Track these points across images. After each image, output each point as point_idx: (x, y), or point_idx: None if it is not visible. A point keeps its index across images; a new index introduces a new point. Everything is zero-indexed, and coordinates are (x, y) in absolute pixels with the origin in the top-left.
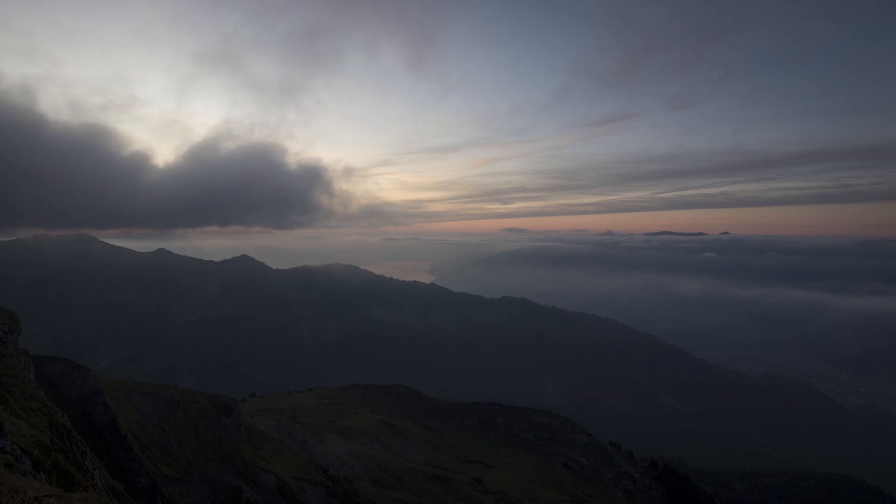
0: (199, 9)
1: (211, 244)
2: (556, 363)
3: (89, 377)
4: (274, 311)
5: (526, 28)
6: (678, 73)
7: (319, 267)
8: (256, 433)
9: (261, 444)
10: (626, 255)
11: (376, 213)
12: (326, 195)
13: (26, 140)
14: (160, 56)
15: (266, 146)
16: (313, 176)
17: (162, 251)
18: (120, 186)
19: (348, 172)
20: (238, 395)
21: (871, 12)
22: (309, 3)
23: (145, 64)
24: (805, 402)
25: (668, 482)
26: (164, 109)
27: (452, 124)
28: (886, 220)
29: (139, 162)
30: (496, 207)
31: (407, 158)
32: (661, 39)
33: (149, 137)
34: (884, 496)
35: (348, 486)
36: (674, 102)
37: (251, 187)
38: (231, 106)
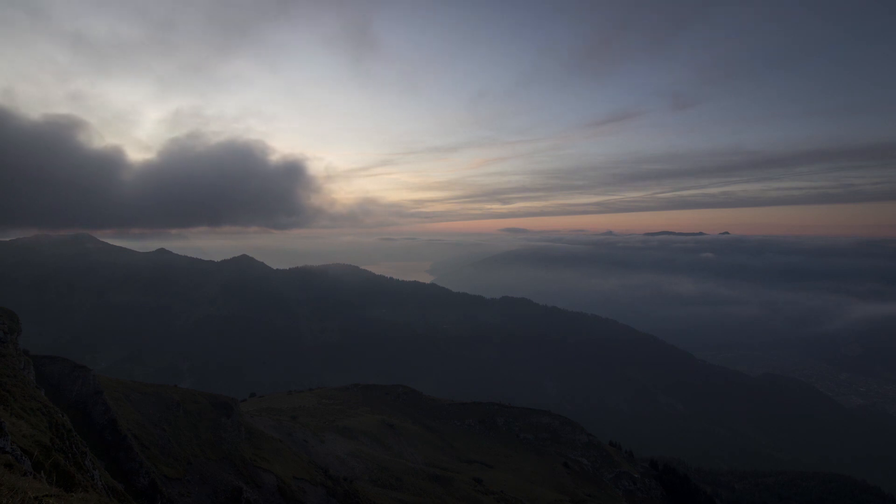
0: None
1: (211, 244)
2: (556, 363)
3: (89, 377)
4: (274, 311)
5: (531, 26)
6: (680, 72)
7: (319, 267)
8: (256, 433)
9: (261, 444)
10: (626, 255)
11: (365, 213)
12: (311, 193)
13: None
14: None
15: (246, 143)
16: (298, 174)
17: (162, 251)
18: (102, 183)
19: (330, 170)
20: (238, 395)
21: (872, 12)
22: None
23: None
24: (805, 402)
25: (668, 482)
26: (97, 99)
27: (453, 123)
28: (887, 219)
29: (116, 157)
30: (496, 207)
31: (407, 158)
32: (652, 31)
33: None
34: (884, 496)
35: (348, 486)
36: (676, 102)
37: (237, 185)
38: (166, 94)
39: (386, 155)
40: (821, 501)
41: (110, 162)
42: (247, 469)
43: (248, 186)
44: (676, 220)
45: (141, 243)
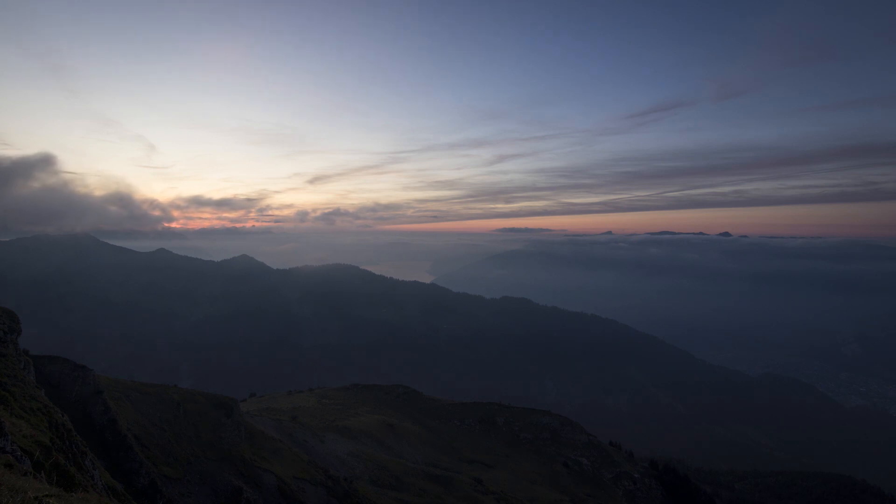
0: None
1: (211, 244)
2: (556, 363)
3: (89, 377)
4: (274, 311)
5: (553, 10)
6: (736, 60)
7: (319, 267)
8: (256, 433)
9: (261, 444)
10: (626, 255)
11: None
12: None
13: None
14: None
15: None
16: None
17: (162, 251)
18: None
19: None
20: (238, 395)
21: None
22: None
23: None
24: (805, 402)
25: (668, 482)
26: None
27: (470, 118)
28: None
29: None
30: (500, 207)
31: (416, 157)
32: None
33: None
34: (884, 496)
35: (348, 486)
36: (720, 93)
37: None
38: None
39: (392, 154)
40: (821, 501)
41: None
42: (247, 469)
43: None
44: (681, 220)
45: (142, 243)
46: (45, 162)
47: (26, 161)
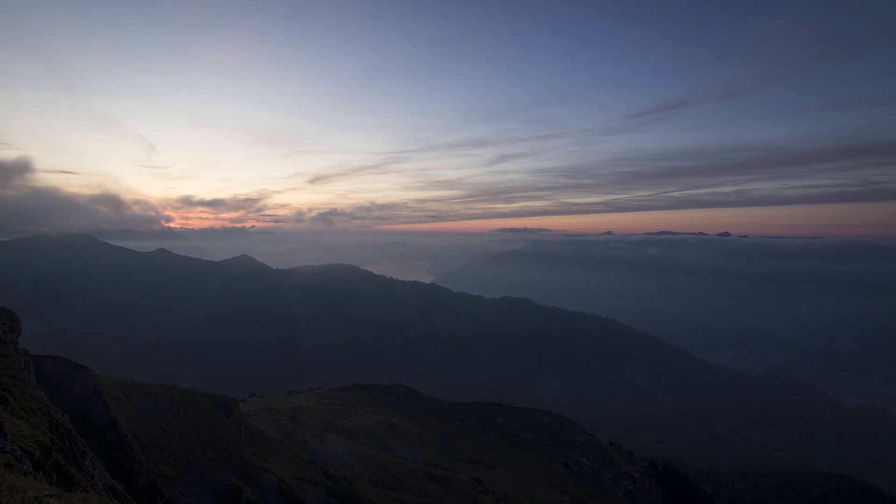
0: None
1: (211, 244)
2: (556, 363)
3: (89, 377)
4: (274, 311)
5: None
6: (696, 68)
7: (319, 267)
8: (256, 433)
9: (261, 444)
10: (626, 255)
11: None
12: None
13: None
14: None
15: None
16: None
17: (162, 251)
18: None
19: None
20: (238, 395)
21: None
22: None
23: None
24: (805, 402)
25: (668, 482)
26: None
27: (459, 120)
28: None
29: None
30: (500, 207)
31: (417, 156)
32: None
33: None
34: (884, 496)
35: (348, 486)
36: (724, 92)
37: None
38: None
39: (393, 154)
40: (821, 501)
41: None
42: (247, 469)
43: None
44: (681, 220)
45: (142, 243)
46: (22, 166)
47: (3, 165)
